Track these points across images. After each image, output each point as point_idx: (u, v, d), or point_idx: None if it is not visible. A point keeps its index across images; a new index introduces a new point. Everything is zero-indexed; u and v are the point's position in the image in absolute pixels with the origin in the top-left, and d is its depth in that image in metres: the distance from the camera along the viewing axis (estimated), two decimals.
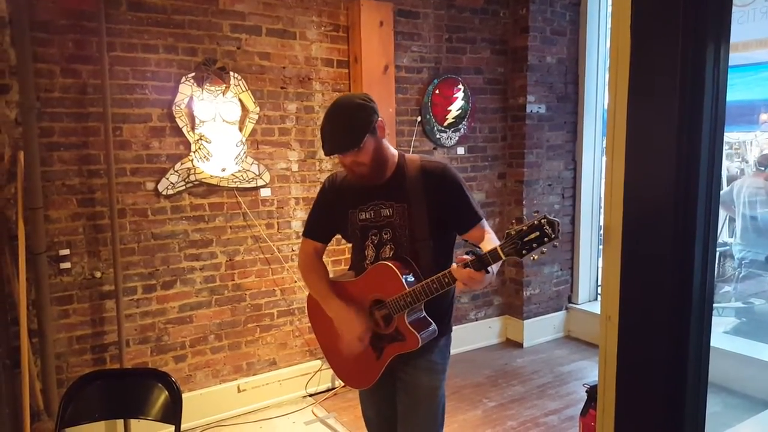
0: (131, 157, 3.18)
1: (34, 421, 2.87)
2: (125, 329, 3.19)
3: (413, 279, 1.91)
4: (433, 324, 1.95)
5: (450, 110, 4.28)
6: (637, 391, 1.39)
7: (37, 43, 2.87)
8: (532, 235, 1.66)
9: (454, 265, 1.79)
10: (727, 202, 5.47)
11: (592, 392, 2.79)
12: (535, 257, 1.71)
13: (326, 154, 1.94)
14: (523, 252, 1.68)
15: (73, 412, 2.03)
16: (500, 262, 1.76)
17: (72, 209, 3.05)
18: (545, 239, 1.66)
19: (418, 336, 1.89)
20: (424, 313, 1.95)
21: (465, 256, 1.77)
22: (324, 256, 2.24)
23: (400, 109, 4.05)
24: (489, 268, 1.74)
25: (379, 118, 1.92)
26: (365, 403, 2.26)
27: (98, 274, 3.14)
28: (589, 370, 4.15)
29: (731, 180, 6.36)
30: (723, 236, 5.88)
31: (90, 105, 3.04)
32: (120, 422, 3.15)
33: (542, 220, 1.66)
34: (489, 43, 4.45)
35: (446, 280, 1.80)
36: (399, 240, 1.97)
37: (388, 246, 1.99)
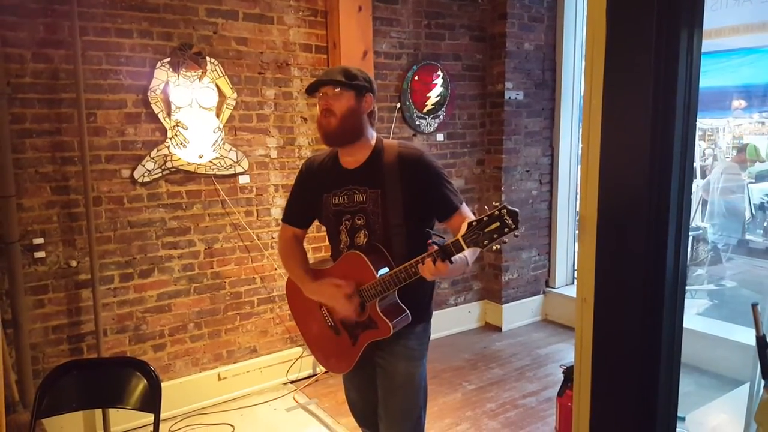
0: (106, 143, 3.13)
1: (9, 412, 2.82)
2: (102, 318, 3.15)
3: (385, 267, 1.91)
4: (407, 311, 1.95)
5: (429, 97, 4.28)
6: (612, 371, 1.42)
7: (6, 26, 2.80)
8: (493, 226, 1.67)
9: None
10: (708, 191, 5.59)
11: (568, 373, 2.84)
12: (497, 247, 1.71)
13: (307, 90, 1.98)
14: (485, 242, 1.69)
15: (50, 403, 2.01)
16: (475, 251, 1.77)
17: (46, 197, 2.99)
18: (506, 229, 1.66)
19: (390, 324, 1.90)
20: (397, 300, 1.95)
21: (430, 247, 1.78)
22: (304, 243, 2.24)
23: (379, 95, 4.01)
24: (458, 257, 1.76)
25: (371, 95, 1.98)
26: (348, 386, 2.28)
27: (74, 263, 3.09)
28: (566, 353, 4.23)
29: (704, 167, 6.51)
30: (696, 220, 6.00)
31: (63, 90, 2.97)
32: (98, 412, 3.13)
33: (502, 210, 1.66)
34: (468, 29, 4.45)
35: (413, 270, 1.81)
36: (372, 226, 1.97)
37: (362, 232, 1.98)
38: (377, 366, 2.07)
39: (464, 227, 1.74)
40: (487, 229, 1.68)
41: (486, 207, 1.73)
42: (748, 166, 5.79)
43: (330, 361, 2.19)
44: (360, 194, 1.98)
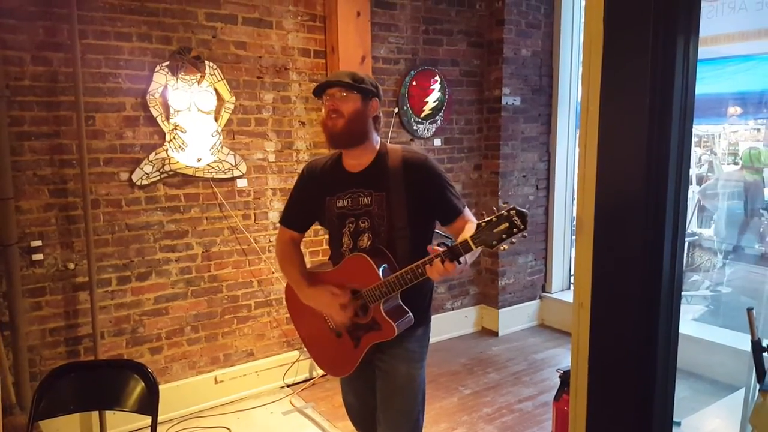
0: (104, 146, 3.13)
1: (6, 415, 2.81)
2: (99, 321, 3.14)
3: (388, 269, 1.92)
4: (410, 313, 1.96)
5: (427, 102, 4.30)
6: (608, 375, 1.43)
7: (5, 29, 2.80)
8: (502, 227, 1.70)
9: (432, 247, 1.81)
10: (710, 196, 5.62)
11: (565, 377, 2.84)
12: (506, 247, 1.73)
13: (315, 92, 1.98)
14: (494, 243, 1.71)
15: (47, 405, 2.01)
16: (477, 252, 1.79)
17: (44, 200, 2.99)
18: (515, 230, 1.69)
19: (394, 325, 1.91)
20: (400, 302, 1.96)
21: (437, 248, 1.79)
22: (301, 247, 2.24)
23: None
24: (461, 258, 1.77)
25: (377, 100, 2.00)
26: (346, 390, 2.28)
27: (71, 266, 3.09)
28: (562, 358, 4.23)
29: (700, 177, 6.54)
30: (692, 226, 6.02)
31: (62, 93, 2.98)
32: (95, 414, 3.12)
33: (511, 211, 1.69)
34: (465, 35, 4.47)
35: (420, 270, 1.82)
36: (377, 229, 1.97)
37: (366, 235, 1.99)
38: (377, 369, 2.08)
39: (473, 227, 1.76)
40: (495, 230, 1.70)
41: (494, 208, 1.75)
42: (745, 172, 5.82)
43: (331, 365, 2.18)
44: (365, 197, 1.99)
